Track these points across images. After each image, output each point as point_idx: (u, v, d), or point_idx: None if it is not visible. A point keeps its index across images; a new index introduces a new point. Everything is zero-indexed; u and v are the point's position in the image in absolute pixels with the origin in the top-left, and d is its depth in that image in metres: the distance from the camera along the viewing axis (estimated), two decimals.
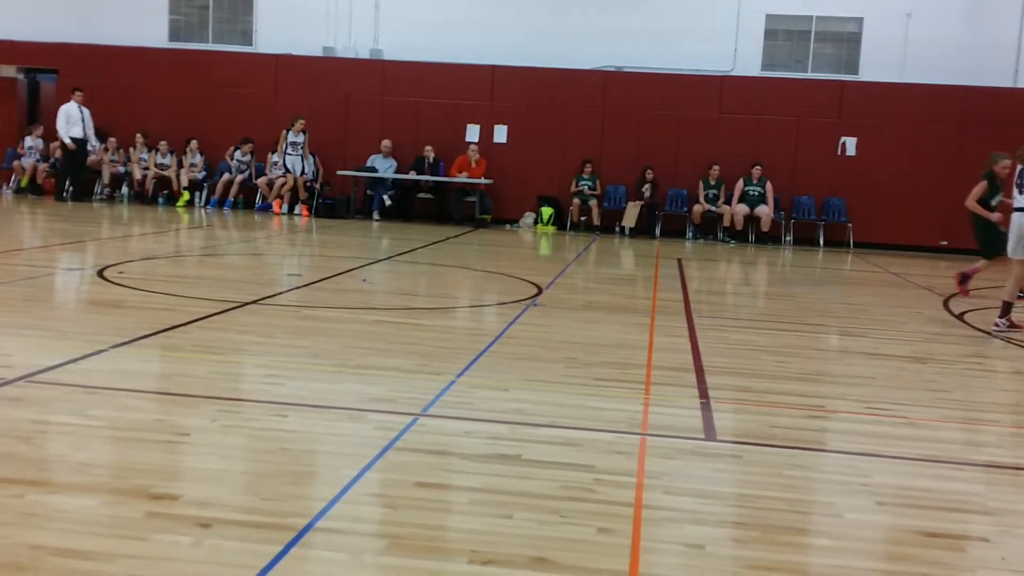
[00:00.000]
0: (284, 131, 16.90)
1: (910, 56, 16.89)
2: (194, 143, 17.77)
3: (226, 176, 17.60)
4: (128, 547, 3.04)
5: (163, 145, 17.79)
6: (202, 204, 17.71)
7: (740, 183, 16.72)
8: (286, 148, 16.93)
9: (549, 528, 3.38)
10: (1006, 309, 8.34)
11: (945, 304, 9.91)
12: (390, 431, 4.36)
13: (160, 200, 17.78)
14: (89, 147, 17.36)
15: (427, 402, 4.91)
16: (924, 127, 16.52)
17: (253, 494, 3.62)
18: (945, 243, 16.03)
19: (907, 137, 16.58)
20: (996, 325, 8.32)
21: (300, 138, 16.96)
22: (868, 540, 3.52)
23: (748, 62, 17.48)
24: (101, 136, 17.86)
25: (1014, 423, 5.44)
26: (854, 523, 3.67)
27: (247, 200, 17.74)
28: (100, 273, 8.82)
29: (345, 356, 5.98)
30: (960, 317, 9.09)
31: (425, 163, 17.47)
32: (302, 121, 16.88)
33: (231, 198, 17.52)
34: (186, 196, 17.54)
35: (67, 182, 17.22)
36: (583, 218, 17.15)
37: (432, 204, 17.64)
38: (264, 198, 17.49)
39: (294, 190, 17.08)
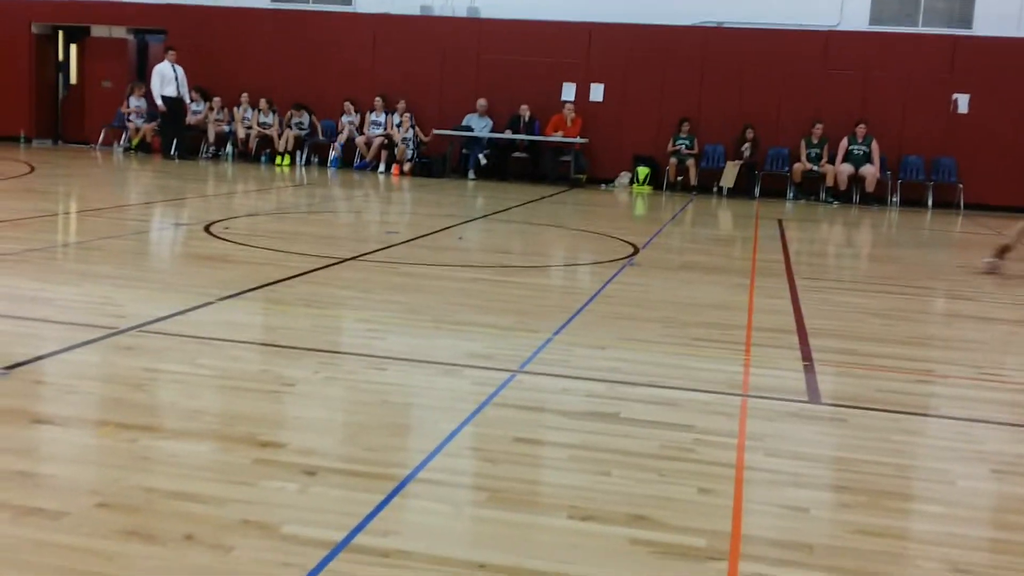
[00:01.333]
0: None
1: None
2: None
3: (343, 136, 17.84)
4: (237, 492, 3.13)
5: (264, 104, 18.12)
6: (303, 163, 18.01)
7: (844, 142, 16.20)
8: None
9: (648, 487, 3.35)
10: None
11: None
12: (488, 386, 4.38)
13: (263, 158, 18.15)
14: (188, 105, 17.83)
15: (524, 359, 4.92)
16: None
17: (355, 444, 3.68)
18: None
19: (1022, 95, 15.81)
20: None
21: (382, 117, 17.28)
22: (981, 508, 3.41)
23: (855, 16, 16.85)
24: (205, 96, 18.29)
25: None
26: (966, 490, 3.55)
27: (347, 159, 17.98)
28: (206, 228, 9.06)
29: (442, 312, 6.02)
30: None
31: (521, 122, 17.40)
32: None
33: (337, 156, 17.79)
34: (287, 159, 17.83)
35: (173, 141, 17.69)
36: (680, 178, 16.88)
37: (527, 163, 17.59)
38: (362, 157, 17.70)
39: (391, 149, 17.25)
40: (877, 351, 5.63)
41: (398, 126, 17.42)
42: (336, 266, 7.43)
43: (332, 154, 17.86)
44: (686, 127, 16.85)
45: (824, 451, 3.91)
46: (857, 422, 4.30)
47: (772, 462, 3.69)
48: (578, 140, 17.02)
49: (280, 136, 17.98)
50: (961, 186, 16.03)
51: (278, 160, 17.85)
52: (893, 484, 3.55)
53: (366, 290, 6.67)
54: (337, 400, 4.23)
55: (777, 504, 3.30)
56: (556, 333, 5.54)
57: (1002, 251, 8.63)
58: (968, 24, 16.53)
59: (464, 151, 17.61)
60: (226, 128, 18.42)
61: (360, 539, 2.84)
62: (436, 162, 17.36)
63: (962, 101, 16.23)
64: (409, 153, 17.32)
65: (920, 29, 16.66)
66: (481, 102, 17.49)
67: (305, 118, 18.04)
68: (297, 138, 17.94)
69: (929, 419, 4.51)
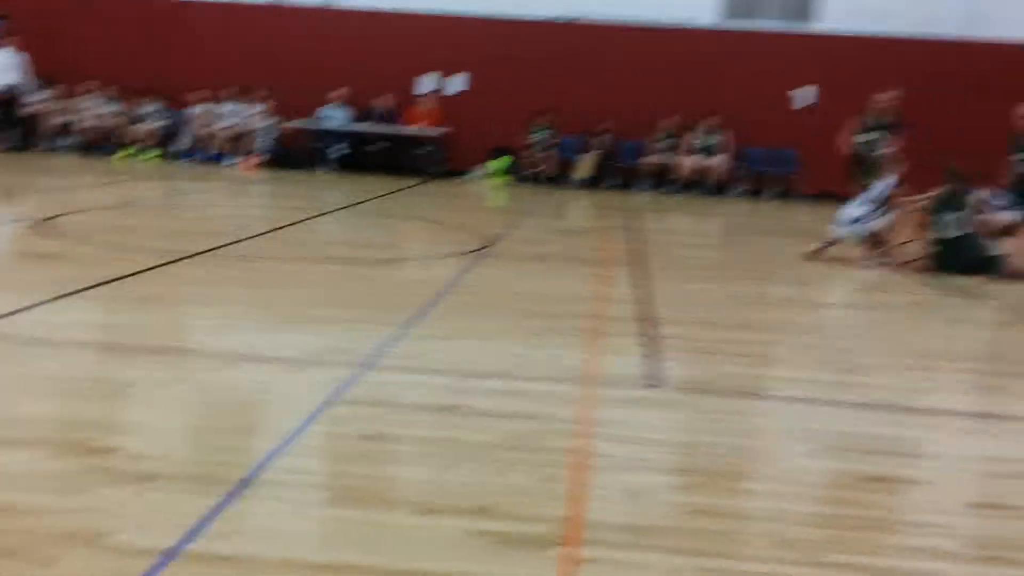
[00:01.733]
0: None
1: (868, 6, 16.86)
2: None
3: (194, 126, 17.22)
4: (65, 501, 3.00)
5: (110, 93, 17.34)
6: (150, 154, 17.34)
7: (694, 134, 16.73)
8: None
9: (491, 477, 3.39)
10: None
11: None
12: (335, 382, 4.33)
13: (107, 150, 17.37)
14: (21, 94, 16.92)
15: (374, 353, 4.89)
16: (878, 79, 16.55)
17: (194, 447, 3.59)
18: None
19: (860, 89, 16.59)
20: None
21: (236, 107, 16.92)
22: (807, 484, 3.59)
23: (709, 12, 17.37)
24: (47, 83, 17.38)
25: (951, 368, 5.55)
26: (794, 468, 3.73)
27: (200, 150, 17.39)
28: (40, 224, 8.63)
29: (291, 307, 5.93)
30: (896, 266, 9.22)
31: (379, 113, 17.24)
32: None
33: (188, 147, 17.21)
34: (132, 150, 17.14)
35: (9, 131, 16.75)
36: (537, 169, 17.07)
37: (386, 155, 17.44)
38: (211, 149, 17.17)
39: (244, 140, 16.82)
40: (719, 336, 5.85)
41: (252, 117, 16.99)
42: (181, 262, 7.21)
43: (182, 145, 17.27)
44: (543, 119, 17.06)
45: (664, 435, 4.04)
46: (697, 405, 4.46)
47: (615, 447, 3.79)
48: (437, 131, 16.99)
49: (129, 126, 17.26)
50: (802, 176, 16.77)
51: (125, 151, 17.14)
52: (728, 464, 3.71)
53: (211, 286, 6.50)
54: (176, 401, 4.10)
55: (618, 488, 3.39)
56: (408, 327, 5.53)
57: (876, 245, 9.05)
58: (811, 19, 17.28)
59: (321, 143, 17.33)
60: (69, 118, 17.54)
61: (197, 545, 2.77)
62: (292, 154, 17.02)
63: (803, 95, 16.98)
64: (264, 144, 16.93)
65: (766, 25, 17.31)
66: (337, 93, 17.24)
67: (155, 107, 17.35)
68: (149, 129, 17.24)
69: (763, 401, 4.72)
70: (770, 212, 15.02)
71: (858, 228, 9.23)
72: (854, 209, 9.25)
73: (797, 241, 10.81)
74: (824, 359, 5.44)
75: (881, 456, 3.88)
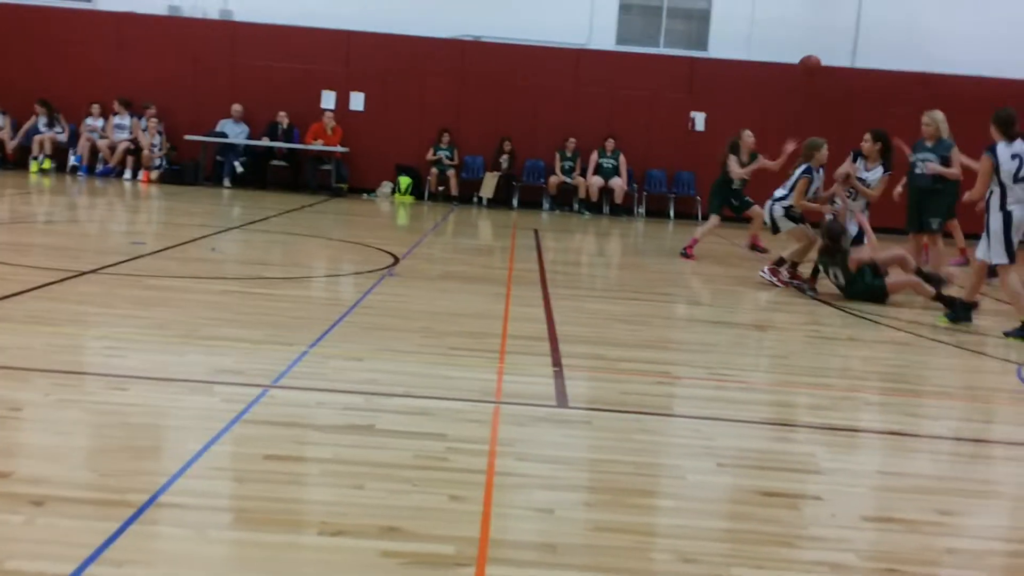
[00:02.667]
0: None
1: (756, 35, 17.47)
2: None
3: (83, 140, 16.64)
4: None
5: None
6: (43, 167, 16.73)
7: (595, 155, 16.99)
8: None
9: (401, 497, 3.37)
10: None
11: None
12: (238, 403, 4.24)
13: None
14: None
15: (278, 373, 4.81)
16: (769, 104, 17.13)
17: (91, 470, 3.46)
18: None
19: (753, 113, 17.14)
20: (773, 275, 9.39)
21: (127, 120, 16.47)
22: (709, 500, 3.66)
23: (603, 36, 17.72)
24: None
25: (847, 387, 5.74)
26: (696, 484, 3.81)
27: (91, 165, 16.85)
28: None
29: (191, 327, 5.78)
30: (798, 287, 9.52)
31: (279, 129, 17.01)
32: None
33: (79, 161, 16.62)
34: (47, 163, 16.44)
35: None
36: (441, 188, 17.08)
37: (286, 172, 17.22)
38: (106, 162, 16.68)
39: (137, 155, 16.38)
40: (622, 355, 5.94)
41: (144, 130, 16.57)
42: (74, 279, 6.96)
43: (72, 159, 16.70)
44: (446, 138, 17.09)
45: (570, 453, 4.07)
46: (602, 424, 4.52)
47: (521, 466, 3.81)
48: (339, 149, 16.86)
49: (12, 138, 16.62)
50: (699, 198, 17.19)
51: (37, 165, 16.37)
52: (632, 482, 3.76)
53: (107, 305, 6.29)
54: (71, 424, 3.96)
55: (524, 507, 3.41)
56: (312, 346, 5.45)
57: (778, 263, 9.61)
58: (704, 47, 17.80)
59: (219, 158, 16.99)
60: None
61: (92, 570, 2.68)
62: (188, 169, 16.65)
63: (699, 119, 17.43)
64: (157, 160, 16.51)
65: (662, 50, 17.75)
66: (236, 107, 16.95)
67: (45, 119, 16.70)
68: (46, 141, 16.54)
69: (666, 418, 4.80)
70: (670, 233, 15.32)
71: (769, 205, 9.76)
72: (779, 191, 9.78)
73: (696, 262, 11.07)
74: (724, 377, 5.57)
75: (781, 472, 3.99)
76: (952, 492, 3.94)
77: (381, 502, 3.31)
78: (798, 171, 9.59)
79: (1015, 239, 7.50)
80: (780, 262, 9.61)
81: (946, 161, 9.56)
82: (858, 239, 9.11)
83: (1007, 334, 7.44)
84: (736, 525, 3.44)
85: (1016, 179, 7.42)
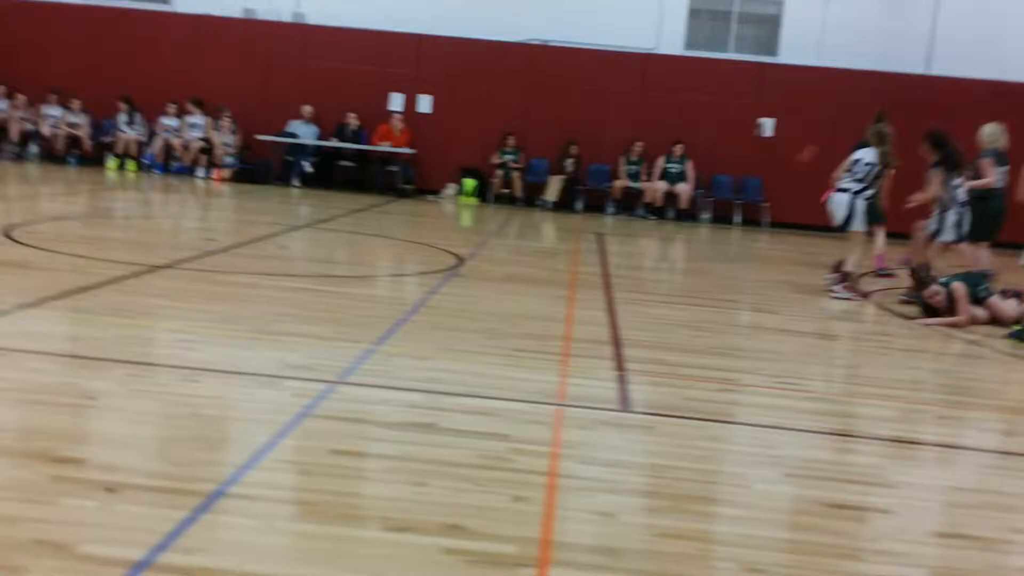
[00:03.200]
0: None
1: (827, 40, 17.20)
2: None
3: (160, 139, 17.05)
4: (31, 510, 2.96)
5: (76, 103, 17.18)
6: (122, 166, 17.17)
7: (661, 160, 16.89)
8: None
9: (463, 496, 3.39)
10: (845, 276, 9.01)
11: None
12: (305, 398, 4.31)
13: (70, 160, 17.18)
14: None
15: (344, 370, 4.87)
16: (839, 111, 16.85)
17: (162, 459, 3.55)
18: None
19: (822, 120, 16.89)
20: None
21: (200, 120, 16.81)
22: (774, 510, 3.62)
23: (672, 41, 17.61)
24: (8, 93, 17.17)
25: (914, 399, 5.63)
26: (761, 493, 3.77)
27: (165, 162, 17.25)
28: (6, 233, 8.51)
29: (261, 322, 5.89)
30: (867, 296, 9.35)
31: (347, 130, 17.23)
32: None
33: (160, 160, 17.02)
34: (131, 165, 16.87)
35: None
36: (506, 190, 17.13)
37: (354, 172, 17.42)
38: (180, 160, 17.06)
39: (210, 154, 16.73)
40: (686, 361, 5.90)
41: (217, 130, 16.91)
42: (149, 274, 7.14)
43: (148, 157, 17.11)
44: (511, 141, 17.13)
45: (633, 458, 4.06)
46: (665, 429, 4.49)
47: (584, 469, 3.81)
48: (406, 150, 17.01)
49: (91, 137, 17.09)
50: (767, 205, 16.98)
51: (116, 161, 16.83)
52: (695, 488, 3.73)
53: (180, 299, 6.44)
54: (144, 413, 4.06)
55: (587, 510, 3.41)
56: (378, 344, 5.51)
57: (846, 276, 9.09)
58: (774, 52, 17.58)
59: (289, 158, 17.26)
60: (30, 127, 17.35)
61: (164, 557, 2.75)
62: (259, 168, 16.95)
63: (767, 125, 17.23)
64: (229, 159, 16.84)
65: (731, 55, 17.58)
66: (307, 108, 17.21)
67: (127, 118, 17.10)
68: (130, 142, 16.93)
69: (730, 426, 4.76)
70: (736, 239, 15.17)
71: (849, 199, 9.13)
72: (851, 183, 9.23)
73: (762, 268, 10.94)
74: (789, 386, 5.50)
75: (848, 484, 3.93)
76: None
77: (444, 500, 3.34)
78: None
79: None
80: (846, 275, 9.21)
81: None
82: None
83: (1010, 336, 7.25)
84: (801, 536, 3.40)
85: None
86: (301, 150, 17.13)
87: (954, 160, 9.12)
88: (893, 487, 3.98)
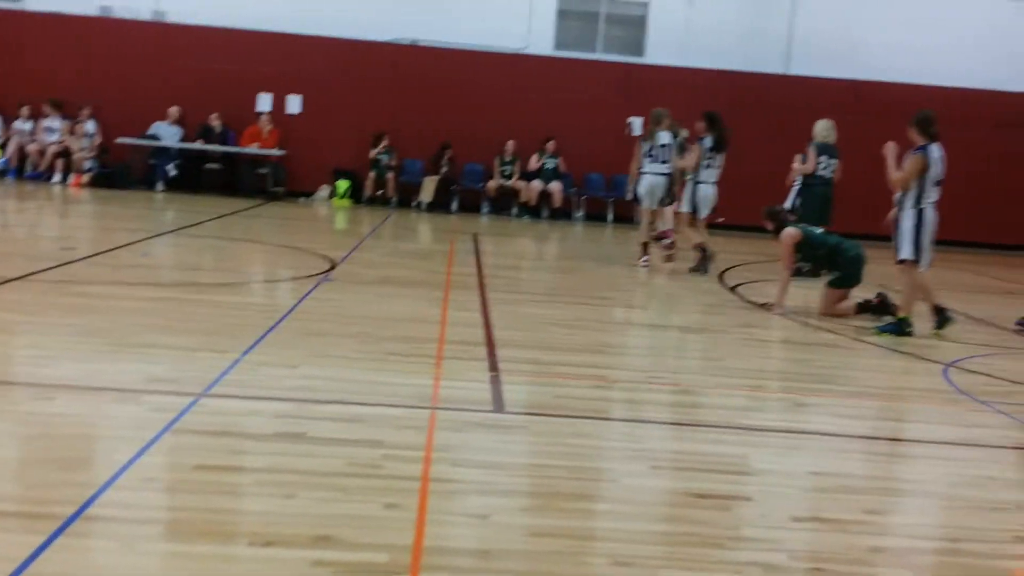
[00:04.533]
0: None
1: (692, 41, 17.69)
2: None
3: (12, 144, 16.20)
4: None
5: None
6: None
7: (534, 159, 17.05)
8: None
9: (333, 506, 3.35)
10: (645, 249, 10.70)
11: (720, 277, 10.51)
12: (169, 412, 4.18)
13: None
14: None
15: (210, 381, 4.74)
16: (704, 109, 17.31)
17: (16, 482, 3.39)
18: (722, 219, 16.94)
19: (688, 119, 17.32)
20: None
21: (57, 123, 16.11)
22: (643, 503, 3.70)
23: (541, 41, 17.80)
24: None
25: (778, 388, 5.85)
26: (630, 487, 3.85)
27: (19, 168, 16.43)
28: None
29: (121, 334, 5.67)
30: (733, 290, 9.66)
31: (213, 132, 16.77)
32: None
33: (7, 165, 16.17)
34: None
35: None
36: (379, 192, 17.00)
37: (221, 175, 16.96)
38: (35, 166, 16.28)
39: (68, 158, 16.03)
40: (559, 359, 5.97)
41: (79, 133, 16.20)
42: (2, 287, 6.79)
43: (4, 162, 16.26)
44: (384, 141, 17.01)
45: (506, 458, 4.08)
46: (538, 428, 4.54)
47: (457, 472, 3.81)
48: (275, 152, 16.68)
49: None
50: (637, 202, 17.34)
51: None
52: (567, 486, 3.78)
53: (33, 312, 6.14)
54: None
55: (460, 513, 3.41)
56: (245, 353, 5.39)
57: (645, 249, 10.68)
58: (641, 53, 17.97)
59: (152, 161, 16.69)
60: None
61: None
62: (121, 173, 16.33)
63: (636, 123, 17.59)
64: (89, 163, 16.17)
65: (599, 56, 17.89)
66: (173, 109, 16.67)
67: None
68: None
69: (601, 422, 4.84)
70: (608, 237, 15.43)
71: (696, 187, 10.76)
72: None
73: (633, 265, 11.16)
74: (659, 380, 5.63)
75: (713, 474, 4.05)
76: (879, 491, 4.04)
77: (313, 511, 3.29)
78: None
79: (926, 239, 7.58)
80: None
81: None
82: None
83: (881, 329, 7.56)
84: (669, 528, 3.49)
85: (938, 182, 7.60)
86: (165, 153, 16.60)
87: (721, 140, 10.58)
88: (756, 475, 4.13)
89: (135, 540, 2.99)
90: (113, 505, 3.22)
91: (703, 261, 10.56)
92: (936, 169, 7.58)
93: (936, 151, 7.61)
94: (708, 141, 10.83)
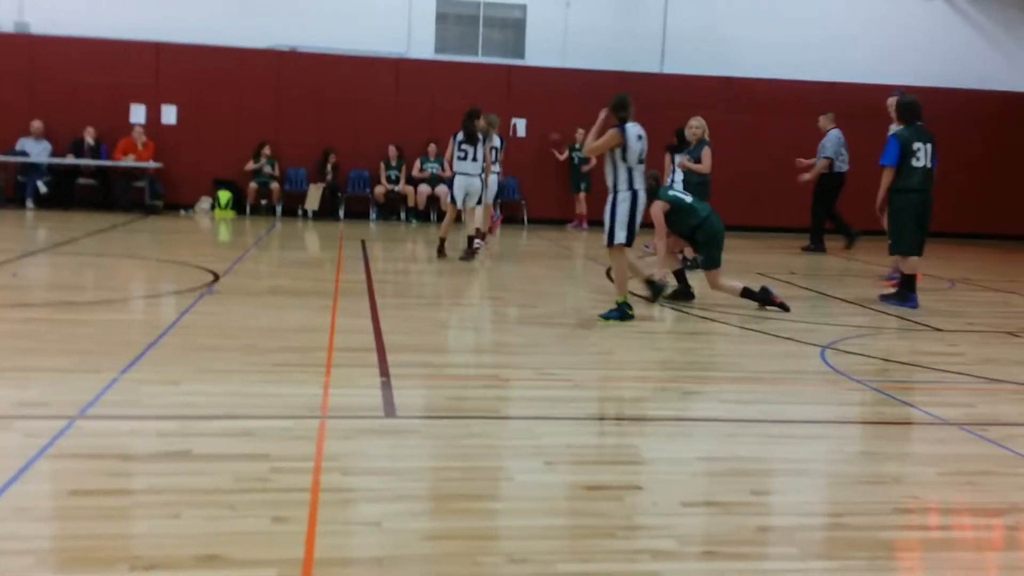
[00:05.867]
0: None
1: (570, 43, 17.92)
2: None
3: None
4: None
5: None
6: None
7: (418, 163, 16.99)
8: None
9: (220, 523, 3.25)
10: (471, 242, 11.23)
11: (607, 274, 10.65)
12: (40, 438, 3.99)
13: None
14: None
15: (85, 403, 4.55)
16: (584, 109, 17.53)
17: None
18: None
19: (570, 119, 17.54)
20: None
21: None
22: (537, 499, 3.71)
23: (421, 46, 17.75)
24: None
25: (665, 378, 5.95)
26: (525, 484, 3.85)
27: None
28: None
29: None
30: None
31: (85, 146, 16.16)
32: None
33: None
34: None
35: None
36: (263, 201, 16.67)
37: (96, 191, 16.38)
38: None
39: None
40: (451, 361, 5.96)
41: None
42: None
43: None
44: (266, 150, 16.68)
45: (398, 463, 4.04)
46: (431, 431, 4.51)
47: (348, 481, 3.75)
48: (151, 164, 16.18)
49: None
50: (524, 202, 17.47)
51: None
52: (461, 487, 3.76)
53: None
54: None
55: (351, 522, 3.36)
56: (123, 372, 5.19)
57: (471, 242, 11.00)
58: (521, 55, 18.10)
59: (20, 178, 15.99)
60: None
61: None
62: None
63: (520, 125, 17.71)
64: None
65: (480, 59, 17.93)
66: (36, 124, 15.99)
67: None
68: None
69: (494, 421, 4.83)
70: (495, 237, 15.46)
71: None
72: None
73: (524, 264, 11.22)
74: (551, 376, 5.67)
75: (606, 465, 4.10)
76: (764, 473, 4.14)
77: (198, 530, 3.18)
78: None
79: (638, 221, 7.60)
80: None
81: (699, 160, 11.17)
82: None
83: (604, 317, 7.55)
84: (562, 521, 3.50)
85: (640, 160, 7.59)
86: (33, 169, 15.92)
87: (471, 136, 11.23)
88: (646, 463, 4.19)
89: (9, 573, 2.84)
90: None
91: (472, 250, 11.37)
92: (635, 148, 7.49)
93: (633, 130, 7.53)
94: (460, 135, 11.36)
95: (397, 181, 16.98)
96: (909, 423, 5.20)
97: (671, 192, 8.94)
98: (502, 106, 17.46)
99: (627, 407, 5.26)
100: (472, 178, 11.35)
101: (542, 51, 17.94)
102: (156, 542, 3.08)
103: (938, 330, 7.88)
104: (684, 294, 8.71)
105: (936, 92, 18.29)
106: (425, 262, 12.53)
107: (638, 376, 5.90)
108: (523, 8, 18.07)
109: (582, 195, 17.15)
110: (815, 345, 6.93)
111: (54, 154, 16.08)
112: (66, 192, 16.15)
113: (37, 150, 16.02)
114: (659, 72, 18.15)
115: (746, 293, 8.44)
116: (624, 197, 7.52)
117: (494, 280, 10.33)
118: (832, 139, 14.13)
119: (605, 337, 7.10)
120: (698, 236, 8.58)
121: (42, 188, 15.85)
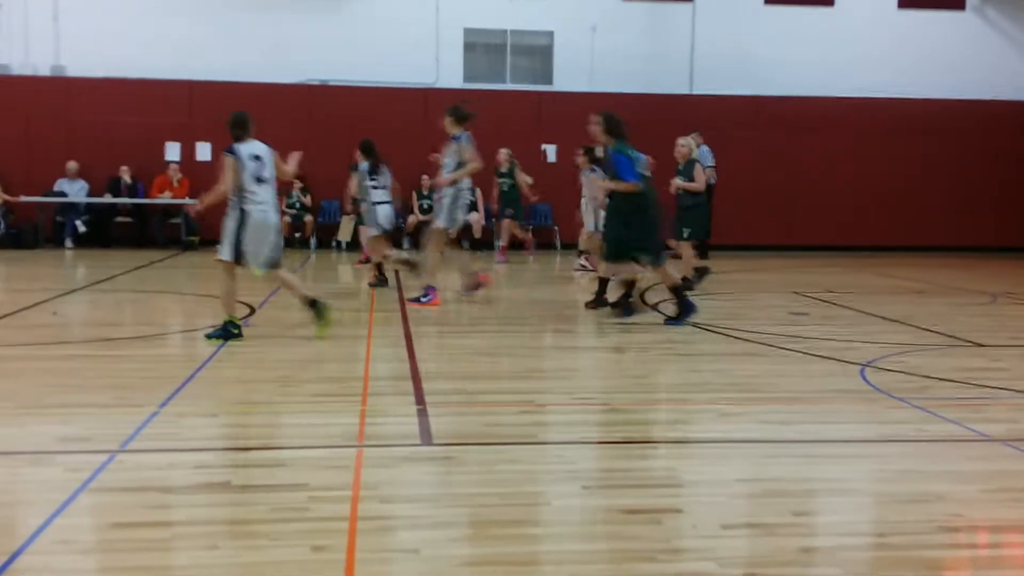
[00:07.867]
0: None
1: (597, 67, 17.98)
2: None
3: None
4: None
5: None
6: None
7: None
8: None
9: (258, 553, 3.26)
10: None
11: (641, 296, 10.60)
12: (83, 472, 4.04)
13: None
14: None
15: (126, 437, 4.60)
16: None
17: None
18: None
19: (598, 142, 17.51)
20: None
21: None
22: (575, 523, 3.69)
23: (450, 74, 17.90)
24: None
25: (702, 400, 5.90)
26: (561, 509, 3.83)
27: None
28: None
29: (31, 396, 5.48)
30: (655, 307, 9.76)
31: (121, 184, 16.43)
32: None
33: None
34: None
35: None
36: (297, 235, 16.82)
37: (133, 228, 16.62)
38: None
39: None
40: (485, 388, 5.95)
41: None
42: None
43: None
44: (299, 184, 16.85)
45: (435, 490, 4.04)
46: (466, 458, 4.50)
47: (385, 508, 3.75)
48: (187, 201, 16.39)
49: None
50: (556, 228, 17.48)
51: None
52: (498, 513, 3.75)
53: None
54: None
55: (389, 550, 3.36)
56: (163, 405, 5.25)
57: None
58: (549, 81, 18.18)
59: (59, 218, 16.27)
60: None
61: None
62: (27, 232, 15.88)
63: (550, 151, 17.76)
64: None
65: (508, 86, 18.04)
66: (71, 165, 16.28)
67: None
68: None
69: (529, 446, 4.82)
70: (528, 264, 15.47)
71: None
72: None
73: (557, 289, 11.21)
74: (586, 400, 5.64)
75: (643, 488, 4.06)
76: (806, 493, 4.09)
77: (238, 560, 3.20)
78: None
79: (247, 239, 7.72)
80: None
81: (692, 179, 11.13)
82: None
83: (209, 336, 7.38)
84: (602, 546, 3.47)
85: (259, 181, 7.74)
86: (72, 209, 16.20)
87: (376, 167, 11.43)
88: (685, 486, 4.15)
89: None
90: (27, 571, 3.09)
91: (382, 276, 11.68)
92: (251, 168, 7.78)
93: (245, 149, 7.85)
94: (365, 166, 11.53)
95: (430, 210, 17.06)
96: (952, 440, 5.11)
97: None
98: (532, 132, 17.56)
99: (664, 430, 5.22)
100: (389, 204, 11.60)
101: (570, 76, 18.01)
102: (196, 573, 3.09)
103: (980, 345, 7.76)
104: (604, 303, 9.17)
105: (971, 104, 18.18)
106: (458, 289, 12.56)
107: (674, 399, 5.85)
108: (550, 35, 18.16)
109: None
110: (855, 364, 6.85)
111: (91, 193, 16.36)
112: (104, 230, 16.40)
113: (74, 190, 16.30)
114: (689, 93, 18.14)
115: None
116: (232, 216, 7.90)
117: (528, 306, 10.33)
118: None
119: (639, 360, 7.07)
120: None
121: (81, 227, 16.11)
